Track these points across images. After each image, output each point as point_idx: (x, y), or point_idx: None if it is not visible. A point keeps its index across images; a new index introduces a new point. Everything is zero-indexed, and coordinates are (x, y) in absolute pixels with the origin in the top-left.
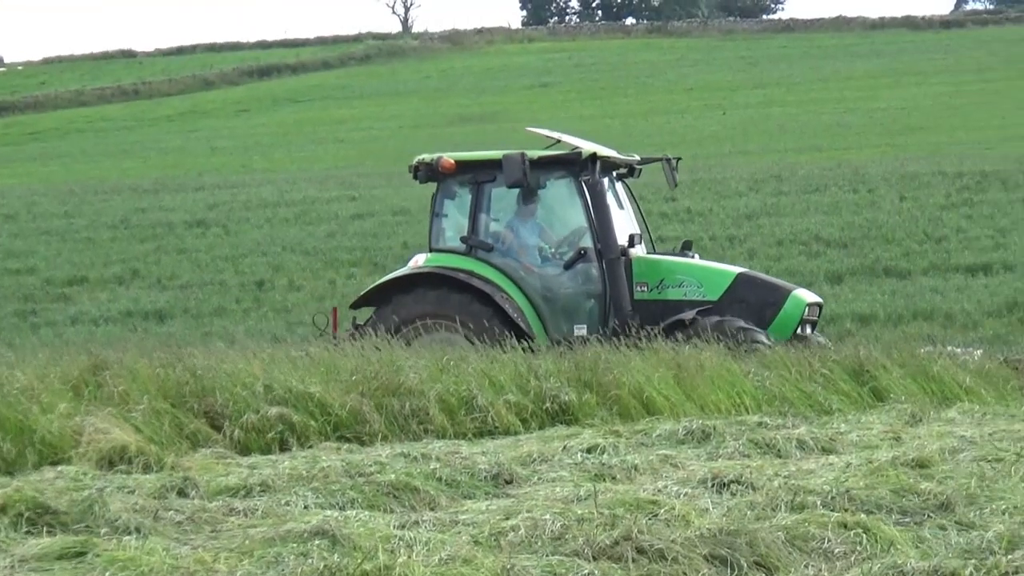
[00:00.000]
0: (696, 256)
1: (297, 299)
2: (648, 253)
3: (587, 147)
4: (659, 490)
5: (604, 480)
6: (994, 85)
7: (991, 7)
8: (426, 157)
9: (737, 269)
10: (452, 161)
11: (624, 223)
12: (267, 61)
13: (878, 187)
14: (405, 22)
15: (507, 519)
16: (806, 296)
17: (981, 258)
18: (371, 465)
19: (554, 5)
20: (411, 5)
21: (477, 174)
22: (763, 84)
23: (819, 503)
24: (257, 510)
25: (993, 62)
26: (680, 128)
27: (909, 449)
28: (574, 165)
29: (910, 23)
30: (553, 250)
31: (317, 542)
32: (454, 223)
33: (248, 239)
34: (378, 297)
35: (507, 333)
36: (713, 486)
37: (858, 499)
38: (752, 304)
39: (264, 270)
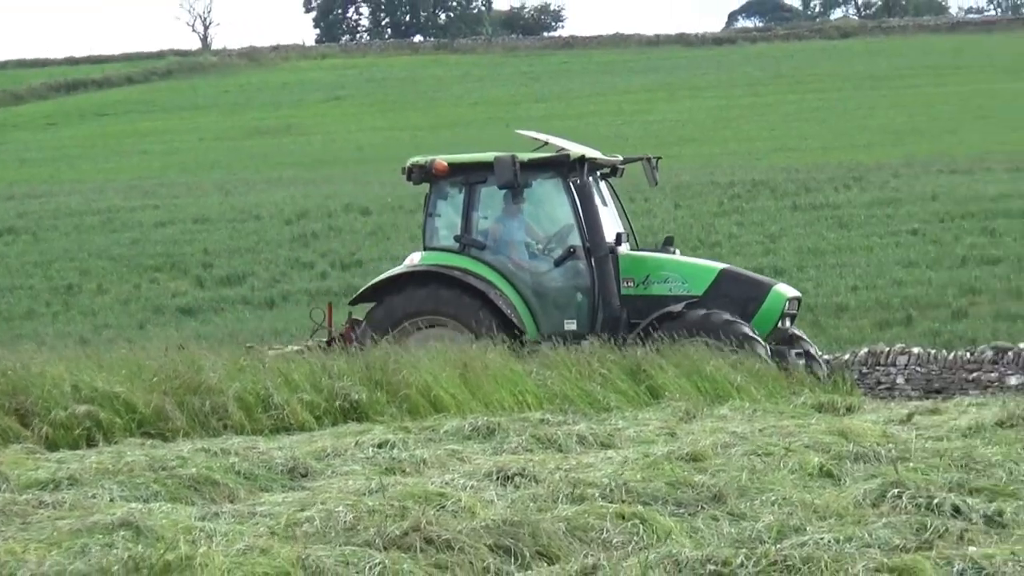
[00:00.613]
0: (677, 252)
1: (104, 303)
2: (632, 250)
3: (574, 149)
4: (446, 483)
5: (394, 474)
6: (764, 99)
7: (761, 25)
8: (420, 160)
9: (720, 265)
10: (445, 163)
11: (609, 221)
12: (74, 76)
13: (654, 196)
14: (205, 39)
15: (302, 511)
16: (786, 291)
17: (752, 263)
18: (173, 460)
19: (346, 23)
20: (210, 23)
21: (469, 175)
22: (544, 98)
23: (598, 495)
24: (65, 503)
25: (763, 77)
26: (466, 140)
27: (683, 444)
28: (562, 166)
29: (684, 40)
30: (543, 248)
31: (122, 533)
32: (447, 223)
33: (56, 246)
34: (375, 293)
35: (499, 328)
36: (498, 479)
37: (635, 491)
38: (735, 298)
39: (72, 275)
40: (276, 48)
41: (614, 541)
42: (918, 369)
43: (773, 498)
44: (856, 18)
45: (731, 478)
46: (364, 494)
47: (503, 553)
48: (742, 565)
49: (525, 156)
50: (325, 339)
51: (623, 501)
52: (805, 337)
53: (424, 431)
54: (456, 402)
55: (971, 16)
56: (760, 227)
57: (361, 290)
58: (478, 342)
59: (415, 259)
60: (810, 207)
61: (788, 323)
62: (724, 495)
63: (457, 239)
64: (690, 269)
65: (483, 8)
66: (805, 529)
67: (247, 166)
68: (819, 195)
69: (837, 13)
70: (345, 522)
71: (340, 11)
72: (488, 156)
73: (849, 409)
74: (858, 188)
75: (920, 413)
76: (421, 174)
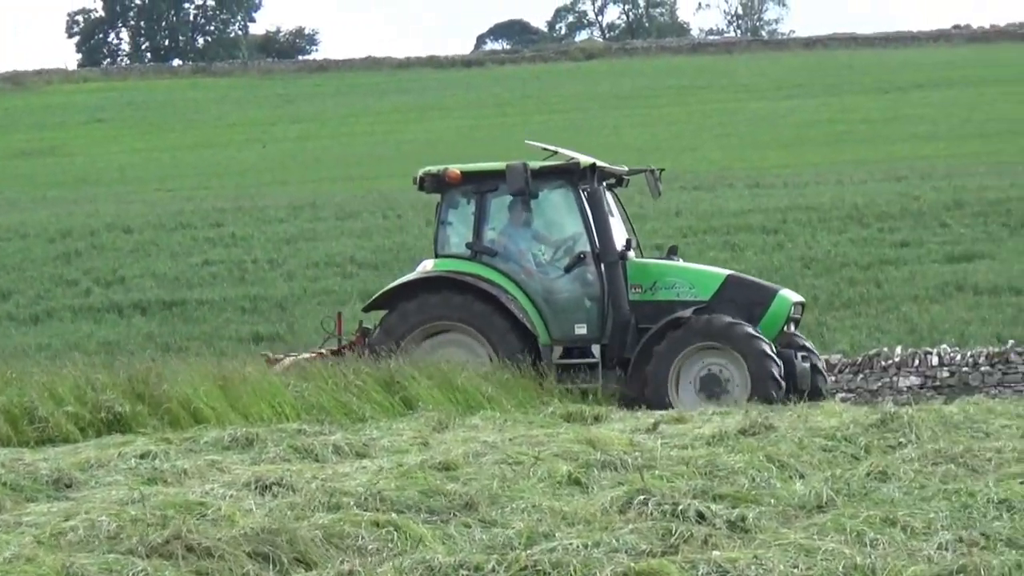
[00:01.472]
0: (680, 261)
1: None
2: (637, 258)
3: (583, 159)
4: (206, 492)
5: (156, 484)
6: (511, 119)
7: (508, 47)
8: (432, 169)
9: (726, 271)
10: (458, 172)
11: (618, 229)
12: None
13: (406, 213)
14: None
15: (67, 520)
16: (791, 296)
17: None
18: None
19: (107, 48)
20: None
21: (480, 184)
22: (299, 119)
23: (353, 504)
24: None
25: (511, 98)
26: (224, 160)
27: (436, 453)
28: (572, 175)
29: (434, 62)
30: (553, 255)
31: None
32: (458, 231)
33: None
34: (389, 300)
35: (512, 332)
36: (256, 488)
37: (389, 500)
38: (741, 303)
39: None
40: (40, 72)
41: (369, 548)
42: None
43: (523, 505)
44: (601, 40)
45: (482, 486)
46: (127, 504)
47: (262, 560)
48: (493, 570)
49: (536, 164)
50: (335, 347)
51: (377, 509)
52: (811, 347)
53: (185, 442)
54: (216, 414)
55: (712, 38)
56: None
57: (374, 297)
58: (496, 351)
59: (428, 266)
60: None
61: (793, 327)
62: (476, 503)
63: (469, 246)
64: (697, 275)
65: (240, 32)
66: (554, 535)
67: (12, 186)
68: None
69: (582, 35)
70: (108, 531)
71: (101, 36)
72: (500, 165)
73: (597, 419)
74: None
75: (665, 422)
76: (434, 183)
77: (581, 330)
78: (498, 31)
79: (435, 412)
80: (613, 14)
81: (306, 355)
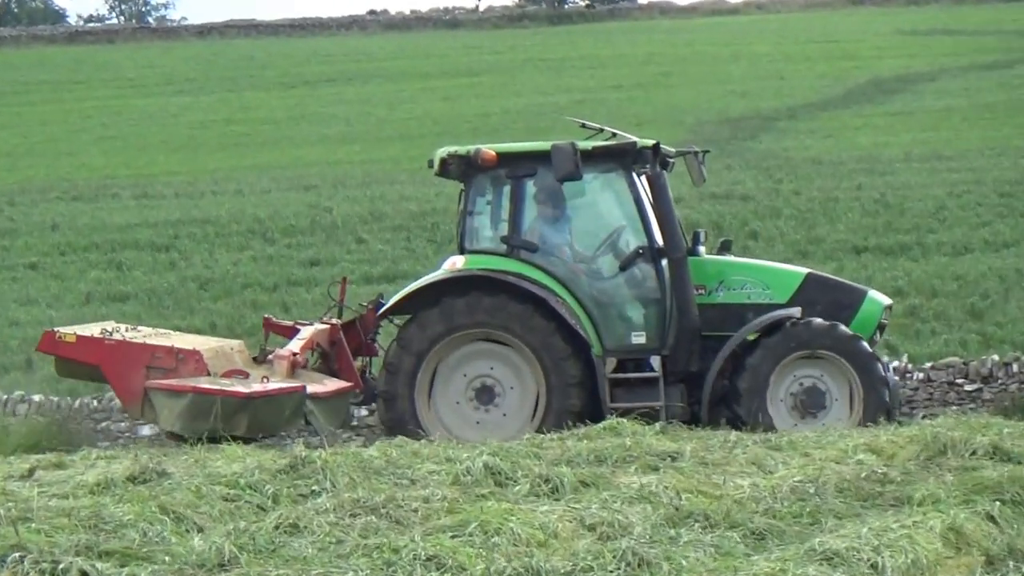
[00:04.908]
0: (731, 256)
1: None
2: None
3: (637, 139)
4: None
5: None
6: None
7: None
8: (459, 150)
9: (805, 270)
10: (494, 153)
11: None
12: None
13: None
14: None
15: None
16: (882, 298)
17: None
18: None
19: None
20: None
21: (516, 168)
22: None
23: None
24: None
25: None
26: None
27: None
28: (626, 156)
29: None
30: (604, 250)
31: None
32: (488, 222)
33: None
34: (408, 305)
35: (564, 341)
36: None
37: None
38: (826, 306)
39: None
40: None
41: None
42: (40, 418)
43: None
44: None
45: None
46: None
47: None
48: None
49: (586, 144)
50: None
51: None
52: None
53: None
54: None
55: (92, 25)
56: None
57: (392, 301)
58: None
59: (457, 263)
60: None
61: (879, 335)
62: None
63: (504, 240)
64: (771, 274)
65: None
66: None
67: None
68: None
69: None
70: None
71: None
72: (543, 145)
73: None
74: None
75: (43, 467)
76: (461, 166)
77: (639, 339)
78: None
79: None
80: None
81: (314, 327)
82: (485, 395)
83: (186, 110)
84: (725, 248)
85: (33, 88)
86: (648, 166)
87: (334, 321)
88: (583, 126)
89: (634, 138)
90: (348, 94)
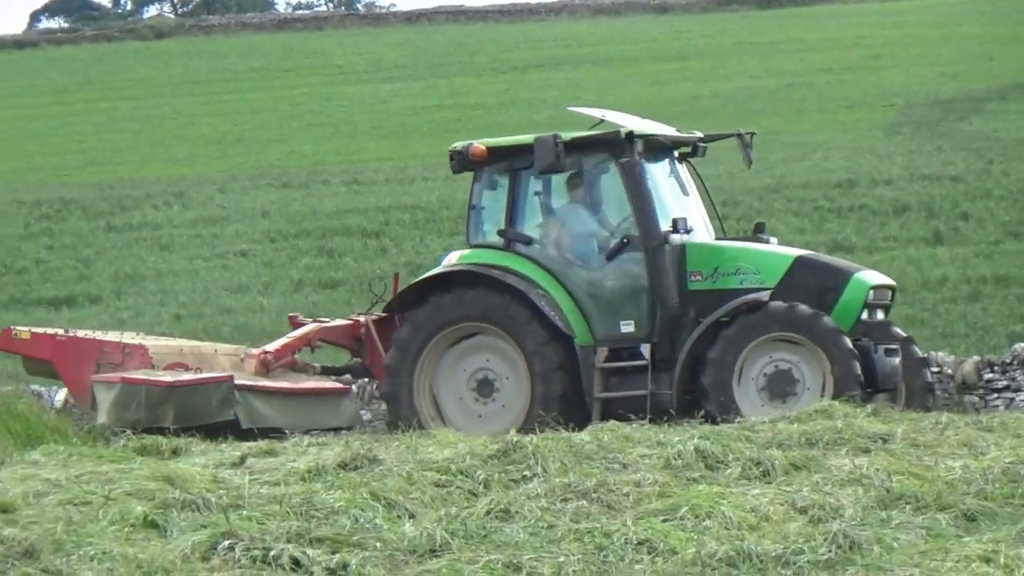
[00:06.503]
0: (773, 240)
1: None
2: (717, 239)
3: (631, 124)
4: None
5: None
6: (71, 107)
7: (67, 25)
8: (458, 145)
9: (796, 252)
10: (483, 147)
11: (683, 208)
12: None
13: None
14: None
15: None
16: (870, 278)
17: (64, 290)
18: None
19: None
20: None
21: (513, 161)
22: None
23: None
24: None
25: (69, 83)
26: None
27: None
28: (613, 145)
29: None
30: (597, 240)
31: None
32: (493, 216)
33: None
34: (403, 306)
35: (545, 332)
36: None
37: None
38: (811, 289)
39: None
40: None
41: None
42: None
43: (92, 552)
44: (173, 16)
45: (45, 531)
46: None
47: None
48: None
49: (568, 135)
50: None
51: None
52: (906, 337)
53: None
54: None
55: (300, 12)
56: (72, 251)
57: (398, 294)
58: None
59: (453, 259)
60: (127, 227)
61: (880, 315)
62: (37, 550)
63: (500, 234)
64: (761, 257)
65: None
66: None
67: None
68: (136, 214)
69: (151, 11)
70: None
71: None
72: (529, 138)
73: (175, 452)
74: (180, 205)
75: (254, 455)
76: (460, 161)
77: (628, 328)
78: (55, 7)
79: None
80: None
81: (311, 326)
82: (486, 388)
83: (395, 96)
84: (760, 230)
85: (242, 76)
86: (626, 155)
87: (356, 317)
88: (591, 116)
89: (621, 126)
90: (557, 79)
